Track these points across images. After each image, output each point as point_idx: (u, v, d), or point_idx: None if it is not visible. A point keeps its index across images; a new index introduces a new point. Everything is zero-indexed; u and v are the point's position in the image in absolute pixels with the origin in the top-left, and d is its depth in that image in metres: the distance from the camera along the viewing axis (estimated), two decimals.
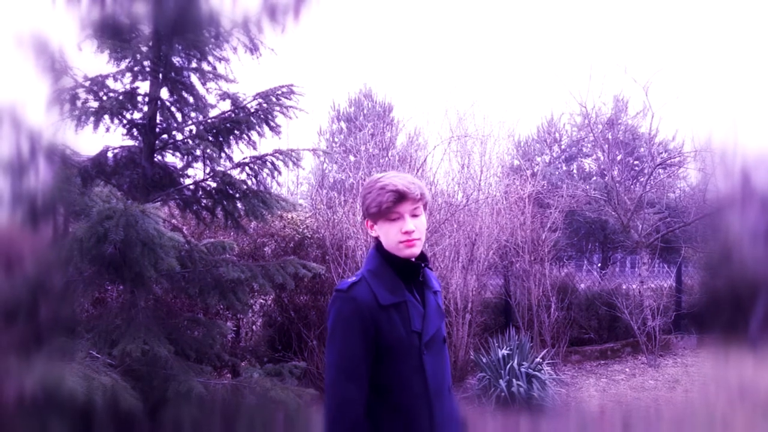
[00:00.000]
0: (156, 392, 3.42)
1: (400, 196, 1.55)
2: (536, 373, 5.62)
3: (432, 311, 1.66)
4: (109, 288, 4.72)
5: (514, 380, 5.48)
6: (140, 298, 3.78)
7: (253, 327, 6.03)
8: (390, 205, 1.56)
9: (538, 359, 5.87)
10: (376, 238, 1.67)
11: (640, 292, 8.25)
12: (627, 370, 7.16)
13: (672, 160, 11.02)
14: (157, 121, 4.00)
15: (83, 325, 3.64)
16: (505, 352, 5.75)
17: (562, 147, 17.06)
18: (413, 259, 1.66)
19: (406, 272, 1.64)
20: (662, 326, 7.69)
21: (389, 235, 1.60)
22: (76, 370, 2.82)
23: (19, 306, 2.36)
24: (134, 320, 3.59)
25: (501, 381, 5.51)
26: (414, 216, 1.60)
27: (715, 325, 2.42)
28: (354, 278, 1.63)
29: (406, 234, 1.58)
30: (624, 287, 8.62)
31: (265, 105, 4.13)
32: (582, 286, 8.74)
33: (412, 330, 1.57)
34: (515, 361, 5.63)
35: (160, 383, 3.45)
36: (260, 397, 3.63)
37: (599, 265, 12.55)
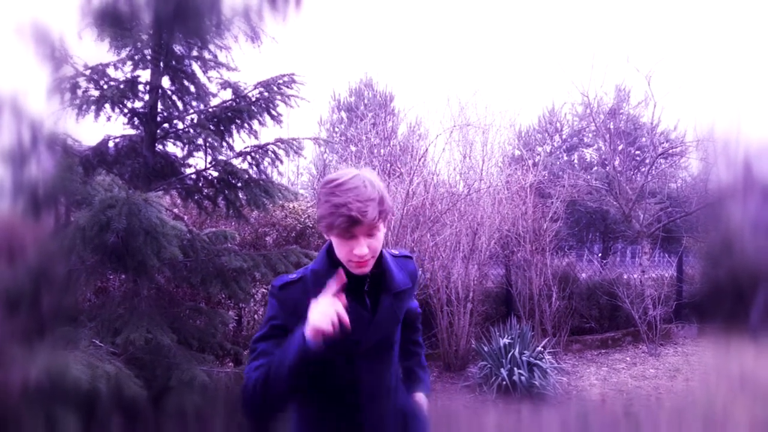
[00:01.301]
0: (159, 380, 3.44)
1: (353, 222, 1.39)
2: (537, 361, 5.65)
3: (382, 318, 1.55)
4: (112, 277, 4.73)
5: (515, 369, 5.51)
6: (143, 287, 3.79)
7: (255, 316, 6.04)
8: (341, 231, 1.41)
9: (539, 348, 5.89)
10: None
11: (641, 281, 8.26)
12: (628, 359, 7.18)
13: (674, 149, 10.99)
14: (159, 109, 3.99)
15: (86, 314, 3.65)
16: (506, 341, 5.78)
17: (564, 137, 17.03)
18: (368, 275, 1.54)
19: (351, 281, 1.49)
20: (663, 315, 7.71)
21: (339, 250, 1.47)
22: (79, 359, 2.83)
23: (22, 295, 2.37)
24: (137, 309, 3.60)
25: (502, 370, 5.53)
26: (369, 236, 1.44)
27: (716, 314, 2.43)
28: (294, 275, 1.55)
29: (357, 257, 1.44)
30: (625, 277, 8.64)
31: (266, 94, 4.11)
32: (583, 275, 8.75)
33: (350, 339, 1.42)
34: (516, 350, 5.66)
35: (163, 372, 3.47)
36: None
37: (600, 254, 12.56)
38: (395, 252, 1.75)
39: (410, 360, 1.90)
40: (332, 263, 1.53)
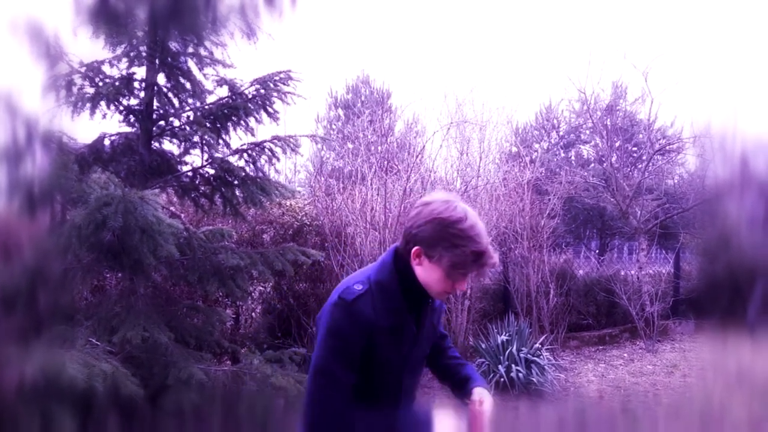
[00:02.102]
0: (156, 379, 3.43)
1: (485, 267, 1.47)
2: (535, 358, 5.65)
3: (424, 334, 1.61)
4: (108, 275, 4.72)
5: (513, 366, 5.51)
6: (139, 285, 3.77)
7: (253, 314, 6.03)
8: (470, 268, 1.45)
9: (536, 345, 5.90)
10: (397, 248, 1.55)
11: (638, 278, 8.28)
12: (625, 355, 7.20)
13: (671, 146, 10.99)
14: (154, 107, 3.98)
15: (82, 313, 3.64)
16: (504, 338, 5.78)
17: (561, 133, 17.03)
18: None
19: (417, 298, 1.54)
20: (660, 312, 7.73)
21: (435, 279, 1.47)
22: (76, 358, 2.82)
23: (18, 294, 2.36)
24: (134, 307, 3.59)
25: (500, 366, 5.54)
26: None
27: (713, 310, 2.43)
28: (360, 288, 1.49)
29: (455, 290, 1.51)
30: (622, 273, 8.66)
31: (262, 91, 4.10)
32: (580, 272, 8.76)
33: (402, 353, 1.53)
34: (514, 347, 5.66)
35: (160, 370, 3.46)
36: (260, 383, 3.65)
37: (597, 251, 12.58)
38: None
39: (448, 357, 1.85)
40: (399, 276, 1.52)
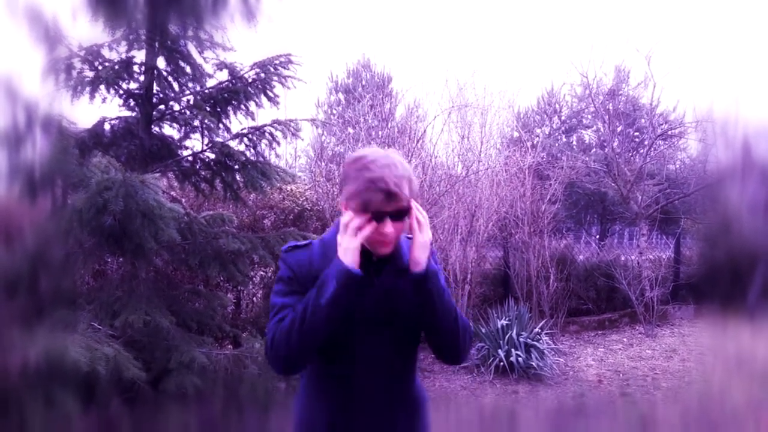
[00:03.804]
0: (158, 363, 3.46)
1: (390, 197, 1.37)
2: (535, 343, 5.68)
3: (384, 290, 1.51)
4: (110, 260, 4.73)
5: (512, 350, 5.54)
6: (141, 269, 3.78)
7: (254, 298, 6.05)
8: (378, 206, 1.38)
9: (536, 329, 5.93)
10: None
11: (638, 263, 8.28)
12: (624, 340, 7.23)
13: (673, 131, 10.95)
14: (154, 91, 3.96)
15: (84, 297, 3.65)
16: (504, 322, 5.81)
17: (562, 118, 16.97)
18: None
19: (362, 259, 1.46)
20: (660, 297, 7.75)
21: (362, 229, 1.42)
22: (78, 342, 2.84)
23: (20, 278, 2.36)
24: (135, 291, 3.60)
25: (500, 351, 5.57)
26: (398, 217, 1.42)
27: (713, 295, 2.44)
28: (304, 242, 1.56)
29: (382, 235, 1.42)
30: (622, 258, 8.66)
31: (263, 75, 4.08)
32: (581, 257, 8.76)
33: (351, 305, 1.44)
34: (514, 332, 5.69)
35: (162, 354, 3.48)
36: (262, 367, 3.67)
37: (598, 236, 12.58)
38: (409, 235, 1.69)
39: None
40: None
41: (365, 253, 1.47)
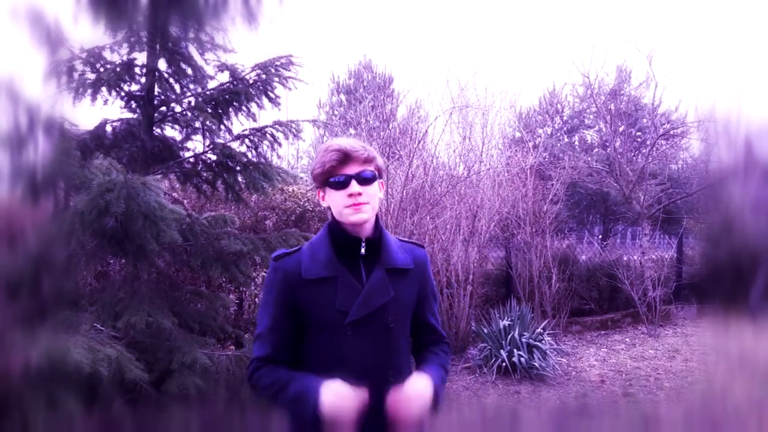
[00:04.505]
0: (161, 364, 3.46)
1: (345, 156, 1.48)
2: (537, 343, 5.67)
3: (372, 289, 1.52)
4: (112, 261, 4.73)
5: (515, 350, 5.54)
6: (143, 270, 3.79)
7: (256, 299, 6.05)
8: (334, 164, 1.48)
9: (538, 330, 5.92)
10: (330, 212, 1.58)
11: (641, 263, 8.28)
12: (627, 340, 7.22)
13: (675, 130, 10.94)
14: (155, 93, 3.96)
15: (87, 298, 3.66)
16: (506, 322, 5.80)
17: (564, 118, 16.94)
18: (363, 236, 1.55)
19: (346, 246, 1.54)
20: (662, 297, 7.74)
21: (336, 200, 1.51)
22: (80, 343, 2.84)
23: (22, 280, 2.36)
24: (137, 293, 3.61)
25: (502, 351, 5.56)
26: (362, 180, 1.49)
27: (716, 295, 2.43)
28: (291, 250, 1.61)
29: (351, 197, 1.48)
30: (625, 258, 8.66)
31: (264, 76, 4.08)
32: (583, 257, 8.76)
33: (336, 309, 1.49)
34: (516, 332, 5.68)
35: (164, 355, 3.49)
36: None
37: (600, 236, 12.56)
38: (405, 239, 1.76)
39: (425, 354, 1.73)
40: (328, 232, 1.58)
41: (353, 248, 1.54)
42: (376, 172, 1.54)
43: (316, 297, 1.51)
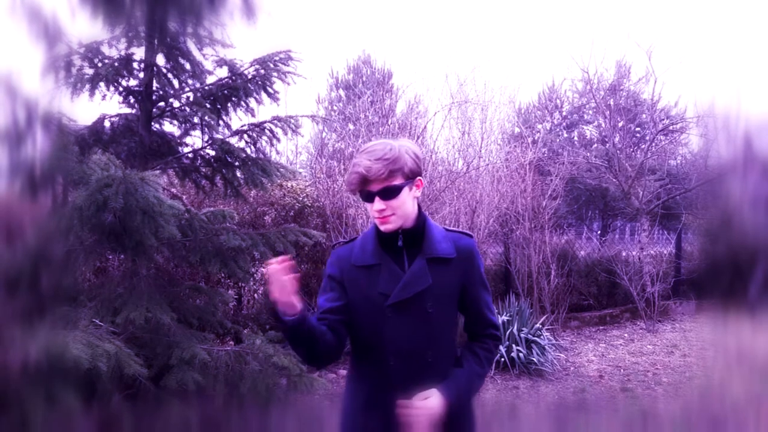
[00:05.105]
0: (160, 359, 3.46)
1: (364, 180, 1.55)
2: (536, 338, 5.68)
3: (413, 276, 1.62)
4: (111, 257, 4.73)
5: (513, 346, 5.55)
6: (141, 266, 3.79)
7: (255, 295, 6.06)
8: (355, 187, 1.58)
9: (537, 325, 5.93)
10: None
11: (639, 258, 8.28)
12: (626, 335, 7.24)
13: (674, 126, 10.93)
14: (154, 88, 3.95)
15: (85, 294, 3.65)
16: (505, 318, 5.81)
17: (563, 114, 16.93)
18: (400, 231, 1.65)
19: (388, 239, 1.67)
20: (661, 292, 7.75)
21: (368, 208, 1.64)
22: (79, 338, 2.84)
23: (21, 276, 2.36)
24: (136, 288, 3.61)
25: (501, 347, 5.57)
26: (385, 195, 1.56)
27: (714, 290, 2.43)
28: (349, 239, 1.78)
29: (377, 211, 1.58)
30: (624, 254, 8.66)
31: (262, 71, 4.07)
32: (582, 253, 8.76)
33: (379, 291, 1.62)
34: (515, 327, 5.69)
35: (163, 350, 3.49)
36: (263, 363, 3.67)
37: (599, 232, 12.57)
38: (452, 228, 1.84)
39: (466, 352, 1.76)
40: (377, 229, 1.68)
41: (393, 240, 1.65)
42: (404, 180, 1.58)
43: (363, 280, 1.65)
